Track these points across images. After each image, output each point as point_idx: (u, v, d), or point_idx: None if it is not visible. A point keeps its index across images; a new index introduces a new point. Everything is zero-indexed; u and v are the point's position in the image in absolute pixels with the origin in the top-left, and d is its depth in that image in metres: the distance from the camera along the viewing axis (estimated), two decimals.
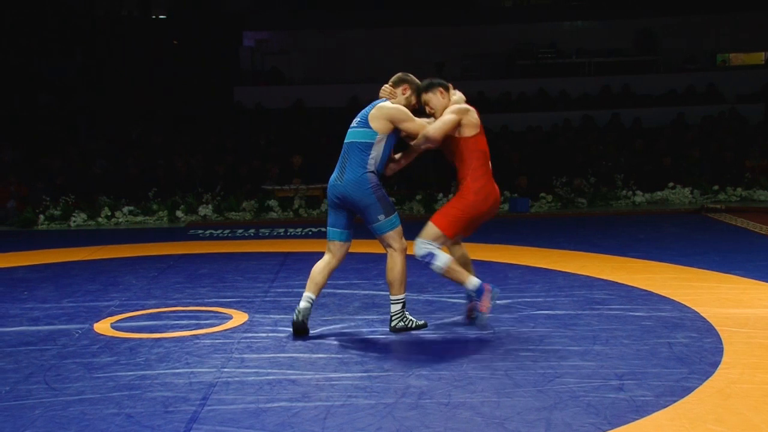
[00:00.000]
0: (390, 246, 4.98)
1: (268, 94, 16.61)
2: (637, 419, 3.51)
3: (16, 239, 10.00)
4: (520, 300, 5.75)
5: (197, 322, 5.40)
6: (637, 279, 6.34)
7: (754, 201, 11.38)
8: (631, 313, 5.30)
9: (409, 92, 5.20)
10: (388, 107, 5.09)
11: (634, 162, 12.71)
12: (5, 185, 11.83)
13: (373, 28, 18.35)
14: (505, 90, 16.43)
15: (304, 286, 6.37)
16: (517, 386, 3.96)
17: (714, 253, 7.46)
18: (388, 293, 5.83)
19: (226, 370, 4.33)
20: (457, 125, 4.92)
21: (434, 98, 5.12)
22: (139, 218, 11.18)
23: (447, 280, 6.16)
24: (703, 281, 6.27)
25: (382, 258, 7.48)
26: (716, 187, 11.65)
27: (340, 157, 5.12)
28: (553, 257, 7.38)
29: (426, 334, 4.96)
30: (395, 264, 4.94)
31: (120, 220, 11.13)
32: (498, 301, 5.22)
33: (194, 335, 5.05)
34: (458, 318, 5.32)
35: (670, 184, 11.70)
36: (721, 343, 4.56)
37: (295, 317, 4.94)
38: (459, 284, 5.02)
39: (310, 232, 9.74)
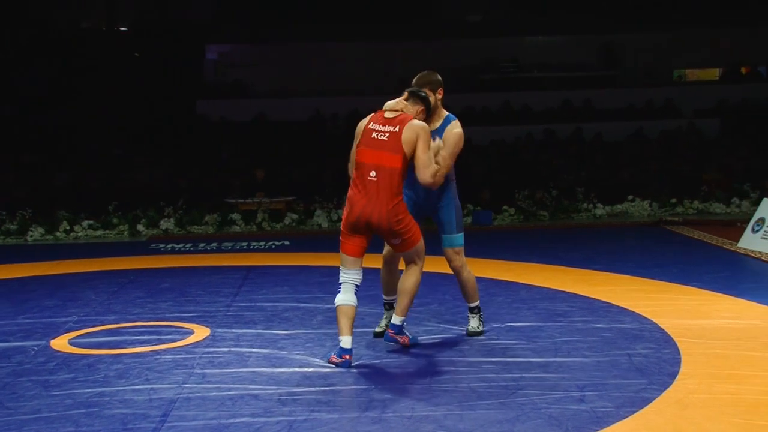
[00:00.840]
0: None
1: (232, 107, 16.53)
2: (598, 430, 3.54)
3: None
4: (483, 313, 5.77)
5: (158, 337, 5.33)
6: (598, 291, 6.41)
7: (710, 214, 11.58)
8: (592, 325, 5.36)
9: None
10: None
11: (595, 175, 12.87)
12: None
13: (337, 41, 18.40)
14: (468, 104, 16.56)
15: (267, 300, 6.39)
16: (480, 399, 3.98)
17: (672, 265, 7.57)
18: None
19: (187, 385, 4.28)
20: None
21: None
22: (99, 232, 11.02)
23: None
24: (662, 293, 6.36)
25: None
26: (674, 200, 11.85)
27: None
28: (515, 270, 7.43)
29: (388, 347, 4.95)
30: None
31: (79, 234, 10.96)
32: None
33: (155, 351, 4.99)
34: (421, 331, 5.33)
35: (630, 197, 11.86)
36: (680, 354, 4.63)
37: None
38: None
39: (273, 246, 9.69)
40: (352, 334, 4.61)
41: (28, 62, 17.05)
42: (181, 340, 5.24)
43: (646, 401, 3.88)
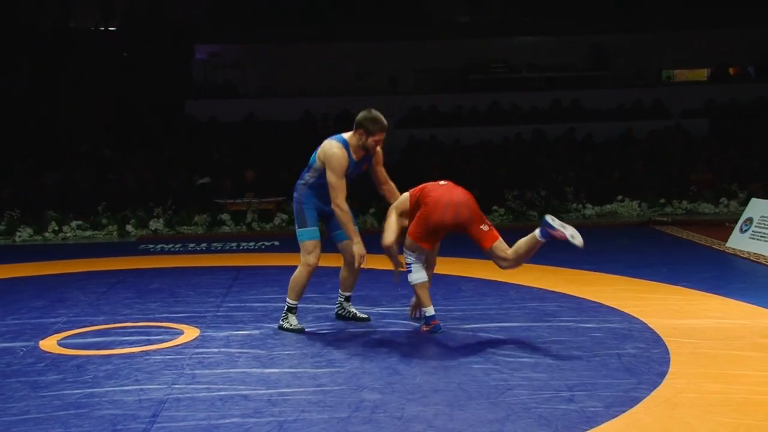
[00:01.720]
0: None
1: (221, 107, 16.49)
2: (588, 430, 3.56)
3: None
4: (473, 312, 5.78)
5: (147, 338, 5.32)
6: (587, 291, 6.43)
7: (699, 214, 11.64)
8: (581, 325, 5.38)
9: (357, 137, 5.41)
10: (325, 152, 5.34)
11: (584, 175, 12.91)
12: None
13: (327, 42, 18.39)
14: (457, 104, 16.58)
15: (257, 300, 6.38)
16: (470, 398, 3.98)
17: (661, 265, 7.60)
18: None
19: (176, 386, 4.27)
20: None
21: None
22: (88, 233, 10.98)
23: (402, 294, 6.16)
24: (651, 293, 6.38)
25: (335, 271, 7.46)
26: (663, 201, 11.89)
27: None
28: (505, 270, 7.43)
29: (379, 347, 4.96)
30: (296, 273, 5.40)
31: (68, 234, 10.91)
32: (453, 313, 5.27)
33: (144, 351, 4.97)
34: (412, 331, 5.34)
35: (619, 197, 11.90)
36: (668, 354, 4.65)
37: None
38: (419, 303, 5.33)
39: (263, 246, 9.68)
40: None
41: (15, 62, 16.95)
42: (170, 340, 5.22)
43: (636, 401, 3.89)
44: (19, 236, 10.77)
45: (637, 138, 15.08)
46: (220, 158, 13.99)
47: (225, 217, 11.25)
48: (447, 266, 7.55)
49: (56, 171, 12.96)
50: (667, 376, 4.24)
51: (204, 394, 4.14)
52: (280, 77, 18.31)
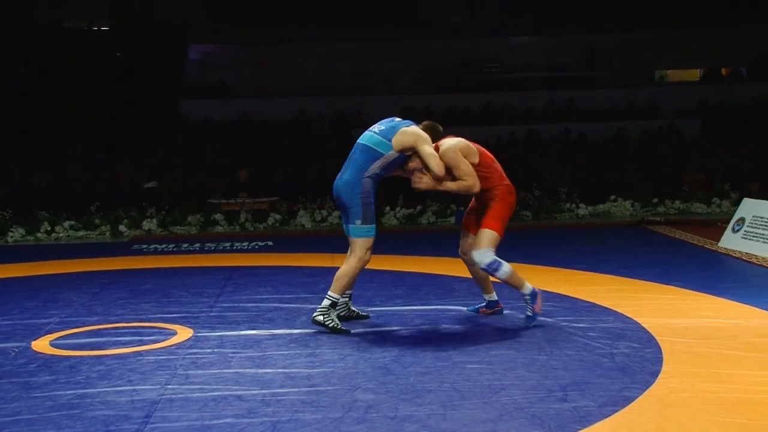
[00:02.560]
0: (353, 251, 5.29)
1: (215, 107, 16.47)
2: (581, 429, 3.56)
3: None
4: (465, 313, 5.79)
5: (140, 338, 5.30)
6: (580, 291, 6.44)
7: (691, 213, 11.67)
8: (575, 325, 5.38)
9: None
10: (413, 131, 5.30)
11: (578, 175, 12.94)
12: None
13: (322, 41, 18.38)
14: (451, 104, 16.59)
15: (250, 300, 6.38)
16: (464, 398, 3.99)
17: (654, 265, 7.62)
18: None
19: (170, 387, 4.26)
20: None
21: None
22: (81, 233, 10.95)
23: (396, 294, 6.16)
24: (644, 292, 6.40)
25: (330, 272, 7.44)
26: (656, 200, 11.93)
27: (348, 156, 5.42)
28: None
29: (373, 347, 4.95)
30: (348, 266, 5.30)
31: (60, 235, 10.88)
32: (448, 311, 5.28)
33: (137, 352, 4.96)
34: (405, 331, 5.34)
35: (612, 197, 11.93)
36: (661, 353, 4.66)
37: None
38: (515, 288, 5.42)
39: (256, 246, 9.67)
40: None
41: (8, 61, 16.89)
42: (163, 341, 5.21)
43: (629, 400, 3.90)
44: (11, 236, 10.73)
45: (631, 138, 15.13)
46: (215, 158, 13.98)
47: (218, 217, 11.23)
48: (440, 266, 7.55)
49: (49, 171, 12.92)
50: (660, 376, 4.25)
51: (197, 394, 4.13)
52: (275, 77, 18.30)
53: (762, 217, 8.36)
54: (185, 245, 9.86)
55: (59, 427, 3.70)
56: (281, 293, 6.67)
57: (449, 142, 5.32)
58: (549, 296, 6.32)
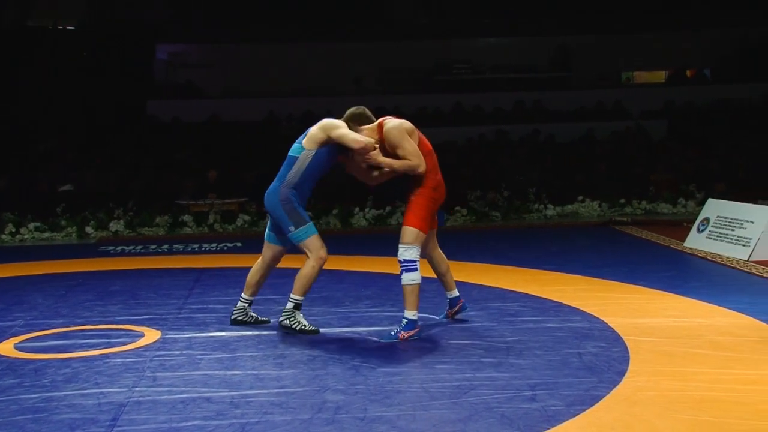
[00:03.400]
0: (307, 254, 5.28)
1: (184, 107, 16.34)
2: (549, 428, 3.59)
3: None
4: (435, 313, 5.80)
5: (107, 340, 5.25)
6: (548, 291, 6.49)
7: (657, 214, 11.82)
8: (543, 325, 5.43)
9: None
10: (324, 121, 5.34)
11: (546, 176, 13.04)
12: None
13: (291, 42, 18.33)
14: (421, 105, 16.63)
15: (219, 302, 6.35)
16: (433, 399, 4.00)
17: (621, 265, 7.71)
18: (303, 308, 5.82)
19: (137, 389, 4.22)
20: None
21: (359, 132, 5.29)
22: (47, 234, 10.80)
23: (366, 295, 6.15)
24: (611, 292, 6.47)
25: (295, 273, 7.41)
26: (623, 201, 12.06)
27: None
28: (467, 270, 7.48)
29: (342, 348, 4.95)
30: (307, 268, 5.27)
31: (25, 236, 10.73)
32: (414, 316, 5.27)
33: (104, 354, 4.91)
34: (373, 331, 5.34)
35: (580, 198, 12.04)
36: (628, 352, 4.72)
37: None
38: (405, 304, 5.13)
39: (225, 248, 9.61)
40: None
41: None
42: (131, 343, 5.16)
43: (596, 399, 3.94)
44: None
45: (599, 139, 15.28)
46: (183, 159, 13.87)
47: (187, 218, 11.15)
48: None
49: (12, 172, 12.72)
50: (626, 375, 4.30)
51: (165, 396, 4.10)
52: (244, 77, 18.20)
53: (726, 218, 8.50)
54: (153, 247, 9.77)
55: (24, 431, 3.65)
56: None
57: (394, 122, 5.22)
58: (517, 296, 6.37)
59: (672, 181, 12.82)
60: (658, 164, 13.65)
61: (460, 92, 17.54)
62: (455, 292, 5.60)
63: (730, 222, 8.39)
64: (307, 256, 5.26)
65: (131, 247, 9.73)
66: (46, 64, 16.79)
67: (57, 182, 12.44)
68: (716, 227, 8.53)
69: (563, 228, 10.93)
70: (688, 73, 19.43)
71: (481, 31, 19.47)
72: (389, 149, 5.18)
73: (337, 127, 5.23)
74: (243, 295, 5.60)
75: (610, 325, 5.36)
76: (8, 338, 5.34)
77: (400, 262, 5.11)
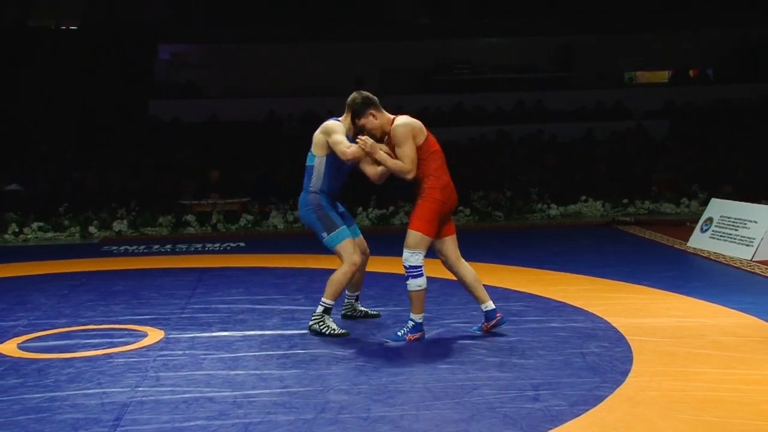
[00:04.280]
0: (340, 259, 5.26)
1: (185, 107, 16.36)
2: (552, 428, 3.59)
3: None
4: (438, 313, 5.80)
5: (110, 340, 5.25)
6: (552, 291, 6.49)
7: (660, 213, 11.81)
8: (546, 325, 5.42)
9: (348, 118, 5.33)
10: (324, 125, 5.32)
11: (549, 176, 13.03)
12: None
13: (292, 42, 18.34)
14: (422, 105, 16.63)
15: (222, 302, 6.34)
16: (436, 399, 4.00)
17: (624, 265, 7.70)
18: (306, 308, 5.83)
19: (140, 389, 4.22)
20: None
21: (368, 122, 5.19)
22: (50, 234, 10.81)
23: (369, 295, 6.15)
24: (614, 292, 6.46)
25: (301, 273, 7.44)
26: (626, 201, 12.05)
27: None
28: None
29: (345, 348, 4.95)
30: (339, 272, 5.21)
31: (29, 236, 10.73)
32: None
33: (107, 354, 4.91)
34: (376, 331, 5.34)
35: (583, 198, 12.03)
36: (631, 352, 4.71)
37: None
38: (411, 308, 5.07)
39: (228, 247, 9.61)
40: None
41: None
42: (134, 343, 5.17)
43: (599, 399, 3.94)
44: None
45: (600, 139, 15.28)
46: (184, 159, 13.88)
47: (190, 218, 11.15)
48: None
49: (16, 172, 12.73)
50: (629, 375, 4.30)
51: (168, 396, 4.10)
52: (245, 77, 18.22)
53: (729, 218, 8.49)
54: (156, 246, 9.77)
55: (27, 431, 3.65)
56: (253, 294, 6.64)
57: (404, 119, 5.12)
58: (521, 296, 6.37)
59: (673, 181, 12.82)
60: (659, 164, 13.64)
61: (461, 92, 17.55)
62: (489, 305, 5.19)
63: (733, 222, 8.39)
64: (341, 261, 5.23)
65: (134, 247, 9.74)
66: (47, 64, 16.80)
67: (58, 182, 12.45)
68: (719, 227, 8.52)
69: (566, 228, 10.93)
70: (690, 72, 19.44)
71: (482, 31, 19.48)
72: (393, 146, 5.14)
73: (333, 132, 5.20)
74: (346, 291, 5.60)
75: (614, 325, 5.35)
76: (11, 338, 5.35)
77: (405, 267, 5.00)
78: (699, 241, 8.67)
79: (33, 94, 16.30)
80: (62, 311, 6.16)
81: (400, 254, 5.09)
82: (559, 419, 3.68)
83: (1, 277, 7.76)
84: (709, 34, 19.05)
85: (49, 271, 8.04)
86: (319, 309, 5.25)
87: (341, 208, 5.46)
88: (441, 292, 6.52)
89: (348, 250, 5.19)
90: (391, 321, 5.62)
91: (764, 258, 7.75)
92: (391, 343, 5.03)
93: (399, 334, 5.08)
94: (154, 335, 5.34)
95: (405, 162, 5.00)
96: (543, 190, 12.22)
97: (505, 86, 18.36)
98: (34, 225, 10.84)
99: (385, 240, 9.62)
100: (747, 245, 7.98)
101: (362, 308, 5.73)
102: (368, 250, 5.48)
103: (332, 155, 5.22)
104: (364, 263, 5.44)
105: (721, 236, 8.41)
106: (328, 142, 5.22)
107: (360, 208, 11.34)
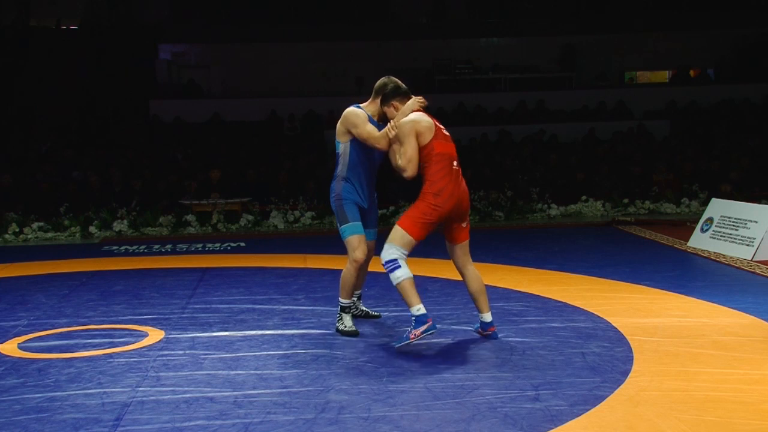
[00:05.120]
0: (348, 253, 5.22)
1: (186, 107, 16.37)
2: (553, 428, 3.59)
3: None
4: (439, 313, 5.80)
5: (111, 340, 5.25)
6: (552, 291, 6.49)
7: (661, 213, 11.81)
8: (546, 324, 5.42)
9: (375, 103, 5.27)
10: (344, 114, 5.26)
11: (549, 176, 13.03)
12: None
13: (292, 41, 18.34)
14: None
15: (222, 302, 6.34)
16: (436, 399, 4.00)
17: (624, 265, 7.70)
18: (306, 308, 5.83)
19: (141, 389, 4.22)
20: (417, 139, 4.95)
21: (390, 112, 5.16)
22: (50, 234, 10.81)
23: (369, 295, 6.15)
24: (614, 292, 6.46)
25: (301, 273, 7.44)
26: (626, 201, 12.05)
27: None
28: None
29: (345, 348, 4.95)
30: (344, 270, 5.23)
31: (29, 236, 10.73)
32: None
33: (108, 354, 4.91)
34: (376, 331, 5.34)
35: (583, 198, 12.03)
36: (632, 352, 4.71)
37: None
38: (405, 303, 4.88)
39: (228, 247, 9.61)
40: None
41: None
42: (134, 343, 5.17)
43: (600, 399, 3.94)
44: None
45: (601, 139, 15.27)
46: (184, 159, 13.88)
47: (190, 218, 11.15)
48: (412, 267, 7.55)
49: (15, 171, 12.74)
50: (630, 375, 4.30)
51: (169, 396, 4.10)
52: (246, 77, 18.23)
53: (730, 217, 8.49)
54: (156, 246, 9.77)
55: (28, 431, 3.65)
56: (253, 294, 6.64)
57: (414, 116, 4.98)
58: (521, 296, 6.37)
59: (674, 181, 12.81)
60: (660, 164, 13.63)
61: (462, 92, 17.55)
62: (487, 317, 5.11)
63: (733, 222, 8.38)
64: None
65: (135, 247, 9.74)
66: (47, 64, 16.82)
67: (58, 181, 12.45)
68: (720, 227, 8.51)
69: (567, 228, 10.92)
70: (691, 72, 19.43)
71: (483, 30, 19.48)
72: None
73: (355, 125, 5.14)
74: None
75: (614, 324, 5.35)
76: (12, 338, 5.35)
77: (383, 264, 4.88)
78: (699, 241, 8.67)
79: (33, 93, 16.31)
80: (63, 311, 6.17)
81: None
82: (560, 419, 3.68)
83: (2, 277, 7.76)
84: (710, 34, 19.05)
85: (49, 271, 8.04)
86: (339, 308, 5.33)
87: (364, 203, 5.28)
88: (441, 292, 6.53)
89: (351, 246, 5.17)
90: (392, 321, 5.62)
91: (765, 258, 7.75)
92: (400, 346, 4.86)
93: (404, 336, 4.90)
94: (155, 335, 5.34)
95: (402, 160, 4.93)
96: (544, 190, 12.22)
97: (507, 86, 18.37)
98: (35, 225, 10.84)
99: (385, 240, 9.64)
100: (747, 245, 7.98)
101: (363, 308, 5.74)
102: (372, 252, 5.43)
103: (357, 140, 5.19)
104: (366, 263, 5.41)
105: (721, 236, 8.40)
106: (347, 130, 5.18)
107: None
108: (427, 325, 4.78)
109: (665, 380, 4.20)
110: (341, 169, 5.24)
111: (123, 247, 9.75)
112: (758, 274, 7.17)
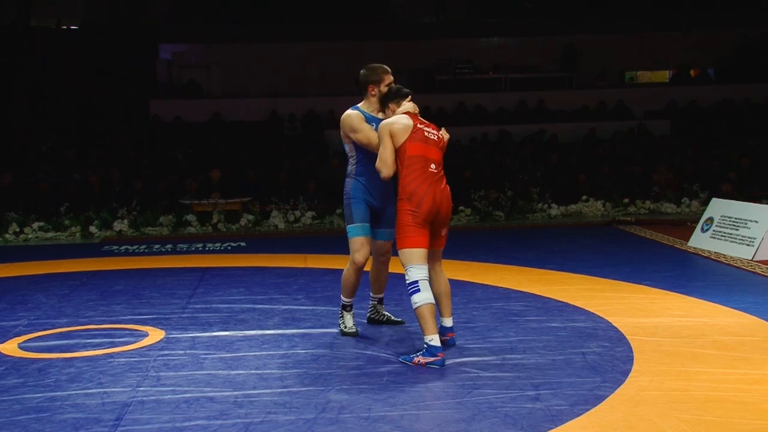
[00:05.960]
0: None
1: (186, 107, 16.36)
2: (553, 428, 3.59)
3: None
4: (438, 313, 5.79)
5: (111, 340, 5.25)
6: (552, 290, 6.49)
7: (661, 213, 11.81)
8: (547, 324, 5.42)
9: (375, 92, 5.21)
10: (341, 121, 5.23)
11: (550, 176, 13.02)
12: None
13: (292, 41, 18.34)
14: (423, 104, 16.58)
15: (222, 302, 6.34)
16: (437, 398, 4.00)
17: (625, 265, 7.70)
18: (307, 308, 5.84)
19: (141, 389, 4.22)
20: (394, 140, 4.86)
21: (387, 114, 5.11)
22: (50, 234, 10.81)
23: (366, 295, 6.16)
24: (614, 292, 6.46)
25: (301, 273, 7.45)
26: (626, 200, 12.05)
27: None
28: (471, 270, 7.49)
29: (345, 348, 4.95)
30: (344, 271, 5.21)
31: (29, 236, 10.73)
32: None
33: (108, 354, 4.91)
34: (377, 331, 5.34)
35: (584, 198, 12.03)
36: (632, 352, 4.71)
37: None
38: (421, 329, 4.64)
39: (229, 247, 9.62)
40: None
41: None
42: (135, 342, 5.17)
43: (600, 399, 3.93)
44: None
45: (601, 138, 15.26)
46: (185, 159, 13.88)
47: (190, 217, 11.15)
48: None
49: (16, 171, 12.74)
50: (630, 374, 4.30)
51: (169, 396, 4.10)
52: (246, 77, 18.22)
53: (730, 217, 8.49)
54: (157, 246, 9.77)
55: (28, 431, 3.65)
56: (254, 294, 6.64)
57: (391, 118, 4.91)
58: (521, 296, 6.37)
59: (674, 180, 12.81)
60: (661, 164, 13.63)
61: (462, 92, 17.53)
62: (448, 321, 4.95)
63: (734, 221, 8.38)
64: None
65: (135, 247, 9.74)
66: (49, 63, 16.82)
67: (59, 181, 12.46)
68: (720, 227, 8.51)
69: (567, 228, 10.92)
70: (691, 72, 19.42)
71: (483, 30, 19.47)
72: None
73: (353, 130, 5.09)
74: (370, 293, 5.55)
75: (614, 324, 5.35)
76: (12, 338, 5.35)
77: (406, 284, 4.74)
78: (700, 241, 8.67)
79: (33, 93, 16.31)
80: (63, 311, 6.16)
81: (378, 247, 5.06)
82: (560, 419, 3.68)
83: (2, 277, 7.76)
84: (710, 34, 19.03)
85: (49, 271, 8.04)
86: (340, 307, 5.33)
87: (376, 202, 5.14)
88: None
89: (353, 247, 5.13)
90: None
91: (765, 258, 7.75)
92: (401, 359, 4.66)
93: (411, 356, 4.64)
94: (155, 335, 5.34)
95: (379, 159, 4.85)
96: (544, 189, 12.21)
97: (507, 86, 18.36)
98: (35, 225, 10.84)
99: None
100: (748, 245, 7.98)
101: (386, 312, 5.58)
102: (389, 254, 5.31)
103: (359, 146, 5.16)
104: (385, 266, 5.33)
105: (721, 236, 8.40)
106: (347, 135, 5.16)
107: None
108: (436, 358, 4.54)
109: (666, 380, 4.20)
110: (351, 168, 5.23)
111: (123, 247, 9.75)
112: (758, 273, 7.17)
